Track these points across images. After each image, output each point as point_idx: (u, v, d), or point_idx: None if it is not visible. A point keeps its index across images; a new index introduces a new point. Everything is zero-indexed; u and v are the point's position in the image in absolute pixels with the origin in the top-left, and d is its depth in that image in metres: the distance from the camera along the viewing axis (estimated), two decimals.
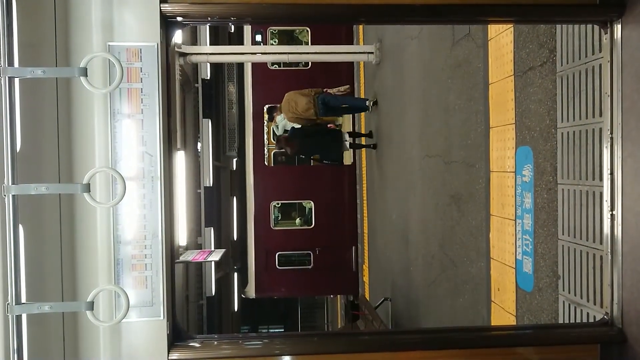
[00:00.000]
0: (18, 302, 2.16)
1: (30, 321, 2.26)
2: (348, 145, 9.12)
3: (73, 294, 2.46)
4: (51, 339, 2.43)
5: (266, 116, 11.16)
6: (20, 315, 2.18)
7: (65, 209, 2.45)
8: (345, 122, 12.72)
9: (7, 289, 2.14)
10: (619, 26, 2.67)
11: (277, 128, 9.57)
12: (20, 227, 2.20)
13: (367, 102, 9.27)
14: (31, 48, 2.36)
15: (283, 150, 9.10)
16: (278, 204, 12.70)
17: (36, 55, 2.39)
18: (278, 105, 9.09)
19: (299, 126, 8.93)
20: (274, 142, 11.17)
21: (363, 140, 9.93)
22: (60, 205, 2.44)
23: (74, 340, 2.46)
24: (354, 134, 9.96)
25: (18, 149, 2.20)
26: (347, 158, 12.50)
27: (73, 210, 2.45)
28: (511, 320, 4.25)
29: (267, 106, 11.01)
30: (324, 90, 8.61)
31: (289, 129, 9.14)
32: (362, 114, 10.80)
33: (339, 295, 15.42)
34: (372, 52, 9.18)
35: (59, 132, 2.43)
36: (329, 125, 9.33)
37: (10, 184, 2.13)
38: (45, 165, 2.43)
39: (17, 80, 2.19)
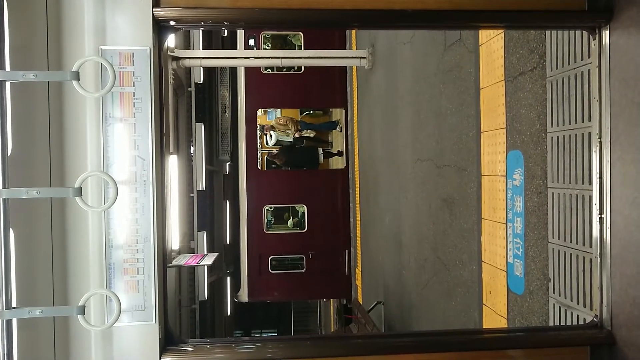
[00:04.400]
0: (8, 306, 2.15)
1: (21, 326, 2.24)
2: (322, 158, 12.52)
3: (64, 298, 2.44)
4: (42, 344, 2.41)
5: (259, 124, 12.86)
6: (11, 319, 2.17)
7: (57, 213, 2.44)
8: (337, 142, 13.51)
9: None
10: (607, 32, 2.71)
11: (271, 138, 12.97)
12: (11, 231, 2.19)
13: (337, 121, 13.02)
14: (23, 51, 2.35)
15: (275, 162, 12.63)
16: (271, 207, 12.69)
17: (28, 59, 2.38)
18: (270, 126, 12.93)
19: (287, 144, 12.77)
20: (267, 145, 13.43)
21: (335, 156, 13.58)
22: (51, 209, 2.43)
23: (65, 344, 2.44)
24: (326, 152, 13.36)
25: (9, 153, 2.19)
26: (340, 163, 12.55)
27: (65, 214, 2.44)
28: (502, 323, 4.27)
29: (259, 125, 12.78)
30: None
31: (280, 139, 12.70)
32: (355, 127, 11.04)
33: (332, 299, 15.41)
34: (364, 57, 9.22)
35: (50, 135, 2.43)
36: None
37: (1, 187, 2.13)
38: (36, 169, 2.42)
39: (8, 84, 2.19)
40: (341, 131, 12.62)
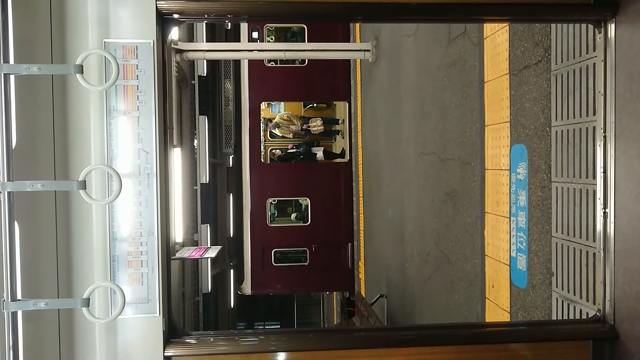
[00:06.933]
0: (14, 298, 2.17)
1: (26, 318, 2.26)
2: (321, 155, 12.99)
3: (69, 290, 2.46)
4: (47, 336, 2.43)
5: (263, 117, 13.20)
6: (16, 311, 2.18)
7: (61, 205, 2.45)
8: (339, 142, 13.60)
9: (2, 285, 2.15)
10: (613, 25, 2.68)
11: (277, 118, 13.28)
12: (16, 224, 2.20)
13: (339, 120, 13.34)
14: (27, 45, 2.36)
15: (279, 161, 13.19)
16: (274, 200, 12.71)
17: (32, 52, 2.38)
18: (275, 123, 13.08)
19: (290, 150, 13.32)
20: (269, 134, 13.65)
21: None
22: (56, 202, 2.44)
23: (69, 336, 2.46)
24: (330, 153, 13.59)
25: (14, 146, 2.20)
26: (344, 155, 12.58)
27: (69, 207, 2.45)
28: (505, 317, 4.28)
29: (263, 118, 13.08)
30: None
31: (285, 118, 13.03)
32: (359, 120, 11.03)
33: (334, 292, 15.46)
34: (368, 50, 9.18)
35: (54, 129, 2.43)
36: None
37: (5, 180, 2.14)
38: (41, 162, 2.43)
39: (12, 77, 2.19)
40: (343, 137, 12.79)
